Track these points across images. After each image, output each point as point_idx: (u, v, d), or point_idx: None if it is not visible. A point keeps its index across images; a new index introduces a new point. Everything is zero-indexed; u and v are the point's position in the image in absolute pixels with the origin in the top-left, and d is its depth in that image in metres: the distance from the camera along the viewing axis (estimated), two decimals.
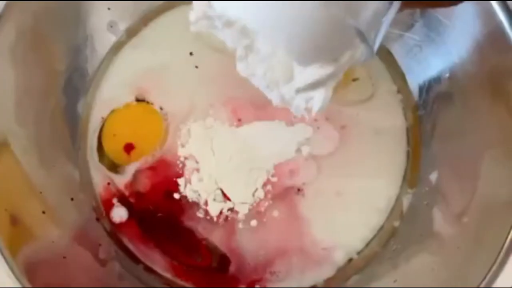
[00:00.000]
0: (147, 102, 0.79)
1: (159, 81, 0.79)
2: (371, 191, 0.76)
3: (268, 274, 0.74)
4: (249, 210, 0.74)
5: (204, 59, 0.79)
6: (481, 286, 0.58)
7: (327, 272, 0.74)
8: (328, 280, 0.74)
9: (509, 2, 0.63)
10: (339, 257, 0.74)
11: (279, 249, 0.74)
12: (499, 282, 0.58)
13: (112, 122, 0.78)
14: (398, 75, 0.80)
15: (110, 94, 0.80)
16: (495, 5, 0.63)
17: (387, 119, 0.79)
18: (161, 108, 0.78)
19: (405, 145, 0.78)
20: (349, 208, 0.75)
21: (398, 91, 0.80)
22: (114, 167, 0.77)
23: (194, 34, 0.79)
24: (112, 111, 0.78)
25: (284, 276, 0.74)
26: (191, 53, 0.80)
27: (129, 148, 0.76)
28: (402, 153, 0.78)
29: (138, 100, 0.79)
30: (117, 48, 0.81)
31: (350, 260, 0.75)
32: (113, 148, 0.77)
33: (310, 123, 0.76)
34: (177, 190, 0.75)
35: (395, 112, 0.79)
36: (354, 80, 0.79)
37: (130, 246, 0.76)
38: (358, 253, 0.75)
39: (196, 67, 0.80)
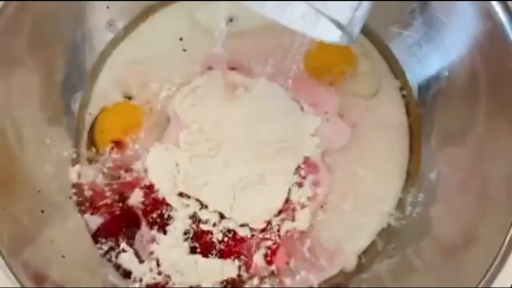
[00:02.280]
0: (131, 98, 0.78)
1: (156, 79, 0.79)
2: (371, 190, 0.76)
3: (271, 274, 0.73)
4: None
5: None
6: (481, 284, 0.58)
7: (328, 271, 0.74)
8: (329, 279, 0.74)
9: (508, 2, 0.63)
10: (340, 257, 0.74)
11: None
12: (498, 281, 0.58)
13: (102, 120, 0.78)
14: (399, 73, 0.80)
15: (106, 92, 0.79)
16: (495, 4, 0.63)
17: (389, 117, 0.79)
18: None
19: (407, 143, 0.78)
20: (349, 207, 0.75)
21: (401, 89, 0.80)
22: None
23: (191, 31, 0.80)
24: (103, 109, 0.78)
25: (287, 276, 0.73)
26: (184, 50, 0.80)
27: (117, 144, 0.76)
28: (404, 151, 0.78)
29: (130, 98, 0.79)
30: (114, 45, 0.81)
31: (351, 259, 0.75)
32: (101, 144, 0.77)
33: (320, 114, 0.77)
34: None
35: (397, 110, 0.79)
36: (360, 73, 0.79)
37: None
38: (358, 252, 0.75)
39: None
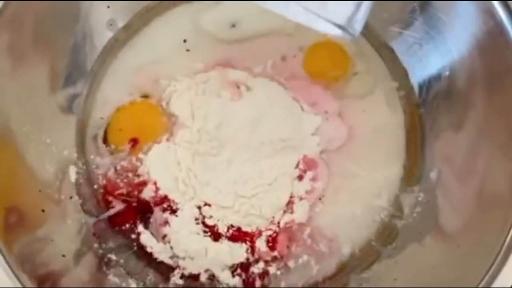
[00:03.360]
0: (148, 97, 0.79)
1: (164, 79, 0.79)
2: (372, 189, 0.76)
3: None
4: None
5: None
6: (482, 284, 0.58)
7: (327, 269, 0.74)
8: (329, 278, 0.74)
9: (509, 2, 0.63)
10: (340, 255, 0.74)
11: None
12: (499, 281, 0.58)
13: (118, 117, 0.78)
14: (399, 72, 0.80)
15: (109, 92, 0.79)
16: (495, 3, 0.63)
17: (388, 116, 0.79)
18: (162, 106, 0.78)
19: (405, 144, 0.78)
20: (349, 206, 0.75)
21: (399, 88, 0.80)
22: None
23: (193, 31, 0.80)
24: (119, 108, 0.78)
25: (290, 258, 0.74)
26: (187, 50, 0.80)
27: (134, 142, 0.76)
28: (403, 151, 0.78)
29: (142, 97, 0.79)
30: (116, 46, 0.81)
31: (350, 258, 0.75)
32: (118, 141, 0.77)
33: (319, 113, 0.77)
34: None
35: (396, 109, 0.80)
36: (354, 74, 0.79)
37: (129, 243, 0.75)
38: (359, 251, 0.75)
39: None
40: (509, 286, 0.57)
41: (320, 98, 0.78)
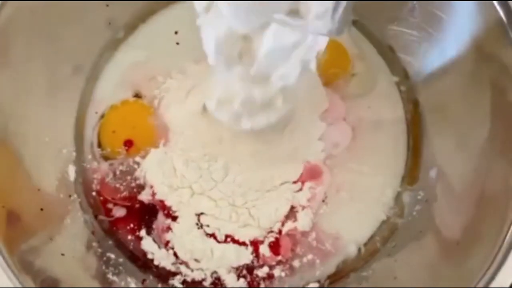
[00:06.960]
0: (140, 97, 0.79)
1: (155, 76, 0.79)
2: (371, 187, 0.76)
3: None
4: None
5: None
6: (481, 283, 0.58)
7: (328, 268, 0.74)
8: (328, 277, 0.74)
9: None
10: (340, 254, 0.74)
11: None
12: (498, 279, 0.58)
13: (111, 119, 0.78)
14: (398, 71, 0.80)
15: (107, 91, 0.80)
16: (495, 2, 0.63)
17: (387, 115, 0.79)
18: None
19: (406, 141, 0.79)
20: (353, 204, 0.75)
21: (398, 87, 0.80)
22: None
23: (191, 31, 0.80)
24: (111, 107, 0.78)
25: (294, 259, 0.74)
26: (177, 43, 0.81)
27: (128, 144, 0.76)
28: (403, 149, 0.79)
29: (135, 96, 0.79)
30: (114, 45, 0.81)
31: (355, 256, 0.75)
32: (112, 144, 0.77)
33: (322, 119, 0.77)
34: None
35: (395, 108, 0.80)
36: (353, 75, 0.80)
37: (129, 243, 0.75)
38: (358, 249, 0.75)
39: None
40: (508, 286, 0.57)
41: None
